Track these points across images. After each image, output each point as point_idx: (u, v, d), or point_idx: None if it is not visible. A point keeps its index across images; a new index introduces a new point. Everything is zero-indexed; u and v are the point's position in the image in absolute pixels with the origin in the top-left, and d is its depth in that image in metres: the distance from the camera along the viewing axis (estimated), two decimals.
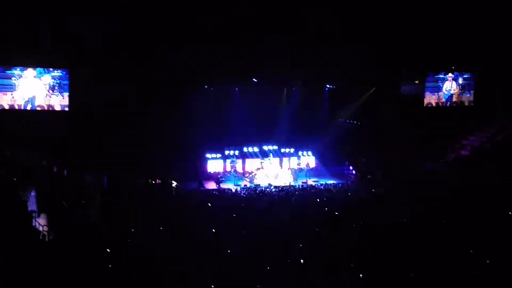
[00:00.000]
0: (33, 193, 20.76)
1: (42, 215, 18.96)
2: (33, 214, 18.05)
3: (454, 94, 36.06)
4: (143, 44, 28.79)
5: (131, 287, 12.63)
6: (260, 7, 28.56)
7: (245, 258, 14.87)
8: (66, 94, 29.44)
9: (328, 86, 35.72)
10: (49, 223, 17.97)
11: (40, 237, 16.22)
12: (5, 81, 28.27)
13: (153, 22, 28.42)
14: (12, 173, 21.41)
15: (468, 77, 36.08)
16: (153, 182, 29.96)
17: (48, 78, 29.15)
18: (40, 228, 16.98)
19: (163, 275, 13.08)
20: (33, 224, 17.20)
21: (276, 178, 32.81)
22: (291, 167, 34.08)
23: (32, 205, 19.31)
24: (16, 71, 28.44)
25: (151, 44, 28.84)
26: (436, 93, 35.86)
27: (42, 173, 24.94)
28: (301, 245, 16.47)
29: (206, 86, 33.07)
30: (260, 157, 33.81)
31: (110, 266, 13.63)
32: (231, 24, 28.68)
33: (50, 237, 16.73)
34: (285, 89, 35.48)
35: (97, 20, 27.80)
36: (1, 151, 24.58)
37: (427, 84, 35.72)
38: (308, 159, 34.59)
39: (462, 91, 36.08)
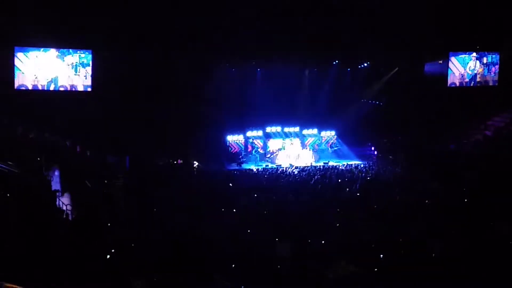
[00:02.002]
0: (56, 173, 21.01)
1: (65, 195, 19.20)
2: (57, 194, 18.29)
3: (478, 73, 35.47)
4: (166, 25, 28.69)
5: (153, 265, 12.75)
6: None
7: (265, 239, 14.92)
8: (89, 75, 29.62)
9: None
10: (72, 202, 18.19)
11: (64, 216, 16.45)
12: (28, 61, 28.50)
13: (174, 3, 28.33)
14: (36, 153, 21.64)
15: (493, 56, 35.42)
16: (175, 162, 30.13)
17: (71, 58, 29.33)
18: (64, 207, 17.21)
19: (184, 255, 13.15)
20: (57, 203, 17.44)
21: (298, 158, 32.86)
22: (313, 148, 34.06)
23: (55, 185, 19.54)
24: (39, 52, 28.65)
25: (173, 24, 28.72)
26: (460, 73, 35.36)
27: (65, 153, 25.18)
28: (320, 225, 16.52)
29: (228, 66, 33.05)
30: (283, 137, 33.83)
31: (132, 245, 13.78)
32: (256, 4, 28.47)
33: (73, 216, 16.96)
34: (307, 71, 35.31)
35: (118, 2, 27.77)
36: (25, 131, 24.86)
37: (450, 64, 35.23)
38: (330, 140, 34.55)
39: (487, 70, 35.46)
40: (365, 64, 34.86)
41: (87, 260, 11.65)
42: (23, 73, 28.42)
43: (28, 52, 28.47)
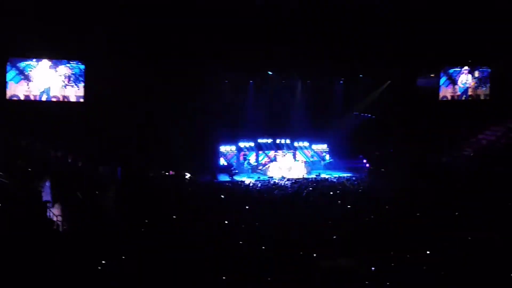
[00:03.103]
0: (47, 184, 20.89)
1: (56, 205, 19.08)
2: (48, 204, 18.17)
3: (470, 87, 35.69)
4: (159, 36, 28.73)
5: (145, 277, 12.70)
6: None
7: (255, 249, 14.91)
8: (81, 85, 29.63)
9: (342, 79, 35.63)
10: (63, 214, 18.09)
11: (54, 227, 16.35)
12: (21, 72, 28.46)
13: (168, 15, 28.37)
14: (27, 163, 21.54)
15: (484, 70, 35.64)
16: (167, 173, 30.06)
17: (64, 69, 29.33)
18: (54, 218, 17.10)
19: (176, 265, 13.12)
20: (47, 214, 17.32)
21: (290, 170, 32.86)
22: (305, 160, 34.09)
23: (46, 196, 19.40)
24: (32, 62, 28.64)
25: (166, 36, 28.77)
26: (452, 87, 35.56)
27: (57, 163, 25.08)
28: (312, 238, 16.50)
29: (220, 79, 33.16)
30: (274, 150, 33.88)
31: (123, 257, 13.71)
32: (247, 17, 28.56)
33: (64, 227, 16.85)
34: (299, 83, 35.44)
35: (112, 13, 27.77)
36: (17, 141, 24.75)
37: (442, 78, 35.45)
38: (323, 153, 34.62)
39: (478, 84, 35.68)
40: (358, 77, 34.92)
41: (78, 272, 11.59)
42: (15, 83, 28.39)
43: (20, 62, 28.43)
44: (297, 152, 34.50)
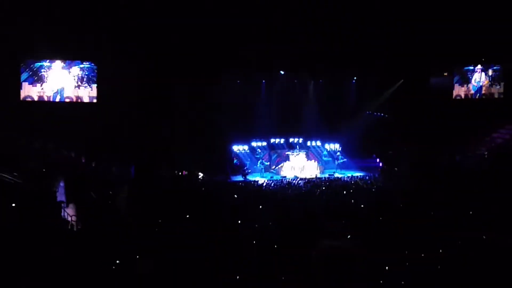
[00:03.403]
0: (62, 184, 21.00)
1: (70, 206, 19.19)
2: (62, 205, 18.29)
3: (484, 86, 35.47)
4: (171, 36, 28.81)
5: (158, 277, 12.71)
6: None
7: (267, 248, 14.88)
8: (94, 86, 29.78)
9: (355, 78, 35.56)
10: (78, 214, 18.19)
11: (69, 227, 16.44)
12: (34, 73, 28.65)
13: (181, 15, 28.42)
14: (41, 164, 21.67)
15: (498, 69, 35.42)
16: (180, 173, 30.12)
17: (77, 70, 29.49)
18: (69, 218, 17.20)
19: (189, 265, 13.11)
20: (62, 214, 17.43)
21: (303, 170, 32.81)
22: (318, 159, 34.02)
23: (61, 196, 19.53)
24: (45, 63, 28.81)
25: (179, 36, 28.84)
26: (465, 85, 35.35)
27: (71, 164, 25.20)
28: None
29: (233, 79, 33.24)
30: (287, 149, 33.84)
31: (137, 256, 13.73)
32: (259, 16, 28.57)
33: (79, 227, 16.95)
34: (311, 82, 35.41)
35: (125, 13, 27.84)
36: (31, 142, 24.90)
37: (456, 76, 35.26)
38: (336, 152, 34.52)
39: (492, 82, 35.45)
40: (371, 76, 34.79)
41: (93, 271, 11.63)
42: (28, 84, 28.59)
43: (34, 64, 28.62)
44: (310, 152, 34.40)
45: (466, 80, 35.41)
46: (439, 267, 13.30)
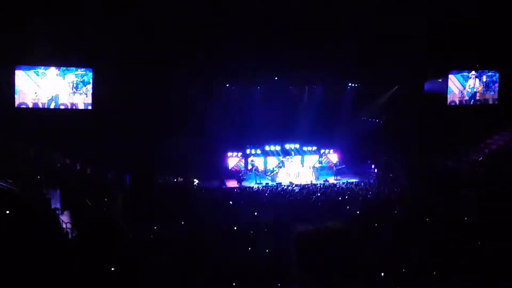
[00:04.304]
0: (57, 191, 20.96)
1: (65, 213, 19.15)
2: (57, 212, 18.25)
3: (478, 92, 35.60)
4: (166, 44, 28.84)
5: (153, 282, 12.72)
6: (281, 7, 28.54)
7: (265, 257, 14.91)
8: (89, 93, 29.75)
9: (350, 84, 35.60)
10: (73, 220, 18.14)
11: (64, 234, 16.39)
12: (29, 80, 28.60)
13: (175, 22, 28.45)
14: (36, 171, 21.61)
15: (492, 75, 35.55)
16: (175, 180, 30.09)
17: (72, 76, 29.46)
18: (64, 225, 17.15)
19: (185, 270, 13.13)
20: (57, 221, 17.37)
21: (298, 176, 32.78)
22: (313, 166, 33.99)
23: (55, 203, 19.49)
24: (40, 70, 28.77)
25: (173, 43, 28.86)
26: (460, 91, 35.46)
27: (66, 171, 25.15)
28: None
29: (228, 85, 33.28)
30: (282, 155, 33.81)
31: (131, 262, 13.73)
32: (253, 22, 28.65)
33: (73, 234, 16.90)
34: (306, 88, 35.45)
35: (120, 20, 27.85)
36: (26, 149, 24.85)
37: (450, 82, 35.35)
38: (330, 158, 34.49)
39: (486, 89, 35.58)
40: (366, 82, 34.86)
41: (88, 279, 11.61)
42: (23, 91, 28.54)
43: (28, 70, 28.58)
44: (305, 158, 34.36)
45: (460, 87, 35.43)
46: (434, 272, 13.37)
